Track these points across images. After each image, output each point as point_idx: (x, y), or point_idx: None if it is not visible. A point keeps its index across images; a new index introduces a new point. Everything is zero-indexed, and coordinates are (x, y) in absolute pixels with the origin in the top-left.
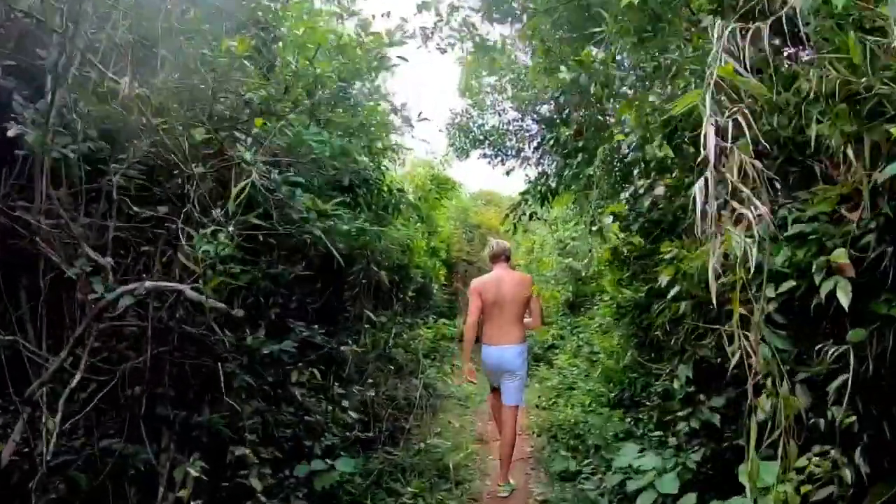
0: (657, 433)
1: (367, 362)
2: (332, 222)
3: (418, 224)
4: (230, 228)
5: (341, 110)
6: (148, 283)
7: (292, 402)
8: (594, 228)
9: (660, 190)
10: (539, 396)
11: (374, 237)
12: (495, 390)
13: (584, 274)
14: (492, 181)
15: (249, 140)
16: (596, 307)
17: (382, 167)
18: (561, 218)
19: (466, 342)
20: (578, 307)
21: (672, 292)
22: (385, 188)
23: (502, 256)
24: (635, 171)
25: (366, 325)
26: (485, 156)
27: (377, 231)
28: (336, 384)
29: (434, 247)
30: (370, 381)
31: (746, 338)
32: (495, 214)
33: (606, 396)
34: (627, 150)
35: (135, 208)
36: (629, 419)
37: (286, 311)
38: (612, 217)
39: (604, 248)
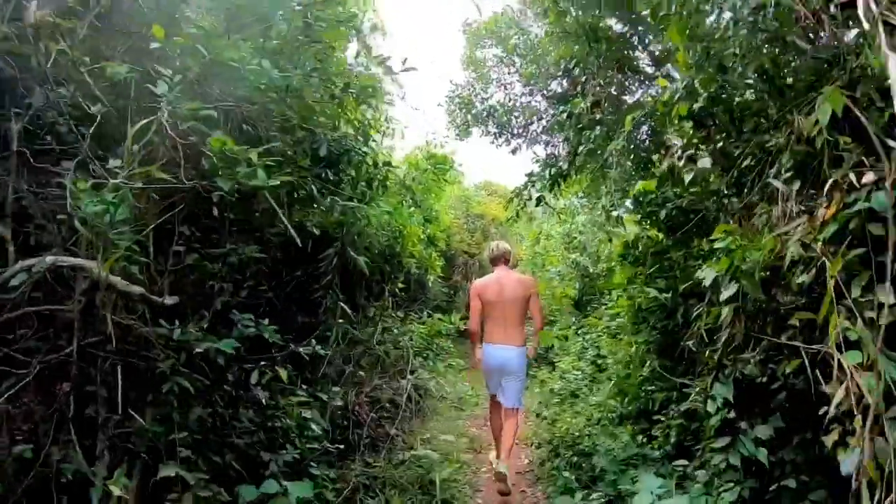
0: (681, 463)
1: (350, 360)
2: (260, 179)
3: (412, 208)
4: (118, 181)
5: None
6: (49, 258)
7: (256, 406)
8: (613, 214)
9: (705, 162)
10: (539, 402)
11: (352, 215)
12: (495, 400)
13: (591, 270)
14: (495, 173)
15: (178, 78)
16: (604, 306)
17: (371, 142)
18: (568, 209)
19: (475, 340)
20: (585, 306)
21: (726, 293)
22: (370, 161)
23: (502, 259)
24: (671, 135)
25: (339, 321)
26: (488, 133)
27: (353, 207)
28: (304, 386)
29: (430, 235)
30: (352, 381)
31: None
32: (498, 206)
33: (618, 412)
34: (646, 137)
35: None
36: (641, 437)
37: (247, 300)
38: (633, 201)
39: (617, 241)
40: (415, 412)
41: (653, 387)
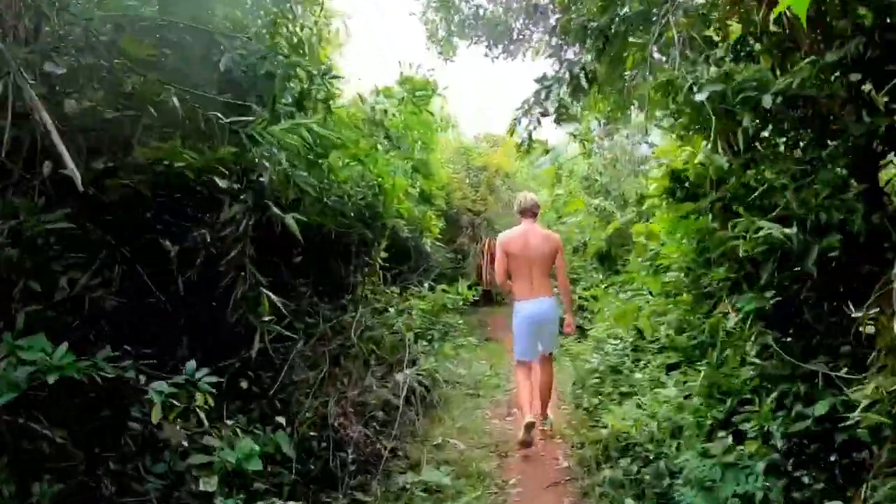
0: None
1: (328, 359)
2: None
3: (391, 152)
4: None
5: None
6: None
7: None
8: (697, 93)
9: None
10: (573, 384)
11: (268, 146)
12: (522, 365)
13: (618, 217)
14: (496, 124)
15: None
16: (642, 260)
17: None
18: (588, 135)
19: (504, 286)
20: (613, 260)
21: None
22: (302, 73)
23: (530, 211)
24: None
25: (266, 319)
26: (478, 41)
27: (253, 125)
28: (234, 415)
29: (424, 190)
30: (334, 385)
31: None
32: (502, 155)
33: (709, 417)
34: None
35: None
36: (725, 434)
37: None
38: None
39: (658, 171)
40: (420, 411)
41: (758, 377)
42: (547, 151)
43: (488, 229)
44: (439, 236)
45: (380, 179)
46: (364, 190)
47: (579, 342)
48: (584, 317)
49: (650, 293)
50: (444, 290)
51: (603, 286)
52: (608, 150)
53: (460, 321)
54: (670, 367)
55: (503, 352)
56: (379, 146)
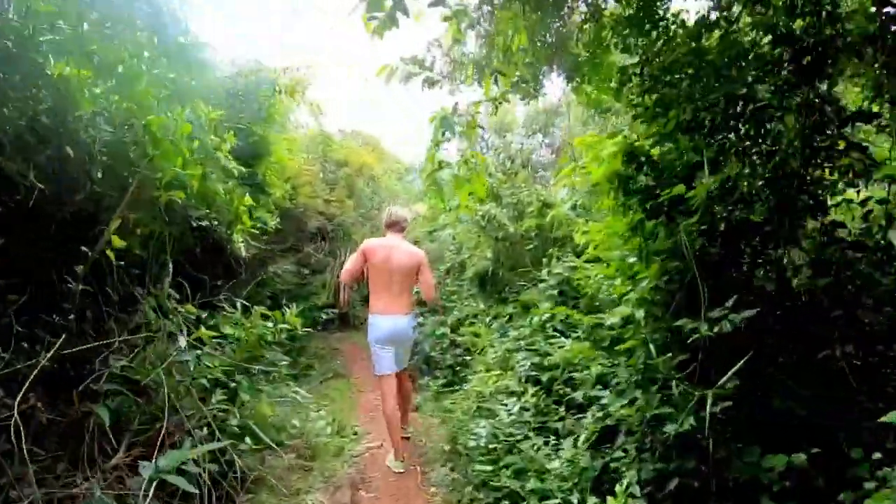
0: None
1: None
2: None
3: (165, 72)
4: None
5: None
6: None
7: None
8: None
9: None
10: (451, 468)
11: None
12: (383, 377)
13: (511, 230)
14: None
15: None
16: (537, 284)
17: None
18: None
19: (345, 288)
20: (499, 286)
21: None
22: None
23: (398, 226)
24: None
25: None
26: None
27: None
28: None
29: (255, 173)
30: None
31: None
32: (371, 155)
33: None
34: None
35: None
36: None
37: None
38: None
39: (609, 148)
40: None
41: None
42: (446, 115)
43: (344, 239)
44: (252, 229)
45: (146, 120)
46: (121, 133)
47: (453, 390)
48: (456, 356)
49: (562, 333)
50: (263, 316)
51: (487, 318)
52: (501, 148)
53: (284, 360)
54: (599, 441)
55: (351, 391)
56: (144, 54)
